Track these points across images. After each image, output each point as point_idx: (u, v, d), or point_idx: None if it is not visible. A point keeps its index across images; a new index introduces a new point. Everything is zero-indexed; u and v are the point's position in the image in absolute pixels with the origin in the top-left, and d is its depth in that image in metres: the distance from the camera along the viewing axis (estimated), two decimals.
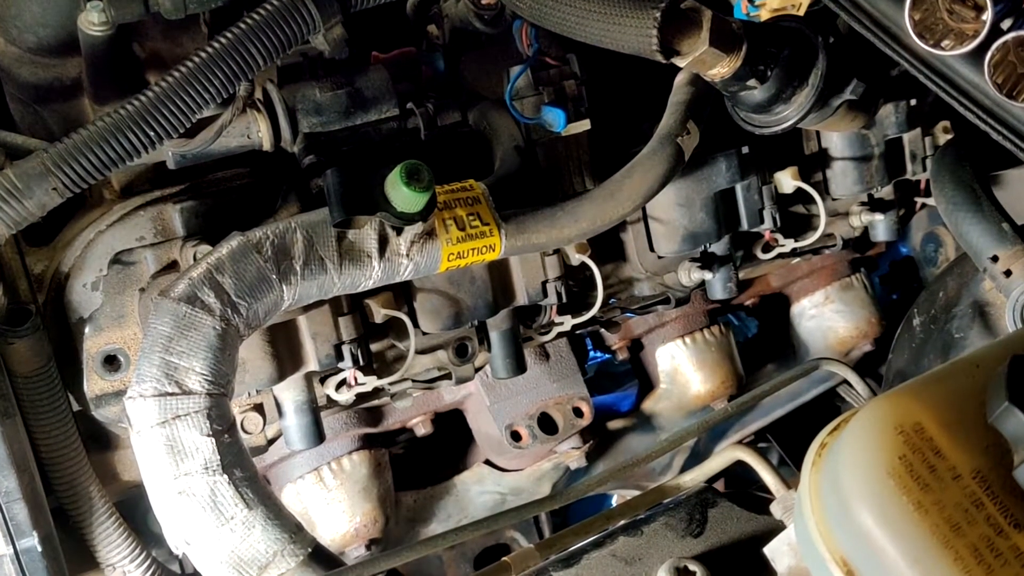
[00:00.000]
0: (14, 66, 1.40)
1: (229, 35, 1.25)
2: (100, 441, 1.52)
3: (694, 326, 2.07)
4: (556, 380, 1.90)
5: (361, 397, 1.63)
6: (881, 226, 2.02)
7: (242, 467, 1.26)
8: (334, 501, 1.78)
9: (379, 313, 1.52)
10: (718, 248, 1.81)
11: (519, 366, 1.68)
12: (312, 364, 1.50)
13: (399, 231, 1.34)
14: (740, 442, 2.22)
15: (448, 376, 1.69)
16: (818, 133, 1.93)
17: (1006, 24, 1.11)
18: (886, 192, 2.02)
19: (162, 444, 1.22)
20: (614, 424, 2.11)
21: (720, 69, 1.38)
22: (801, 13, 1.38)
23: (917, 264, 2.39)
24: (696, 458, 2.18)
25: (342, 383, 1.56)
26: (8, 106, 1.45)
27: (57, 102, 1.43)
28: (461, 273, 1.54)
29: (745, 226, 1.81)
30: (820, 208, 1.82)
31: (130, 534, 1.46)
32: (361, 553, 1.80)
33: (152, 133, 1.24)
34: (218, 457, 1.23)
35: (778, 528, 1.23)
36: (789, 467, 2.22)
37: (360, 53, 1.50)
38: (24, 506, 1.30)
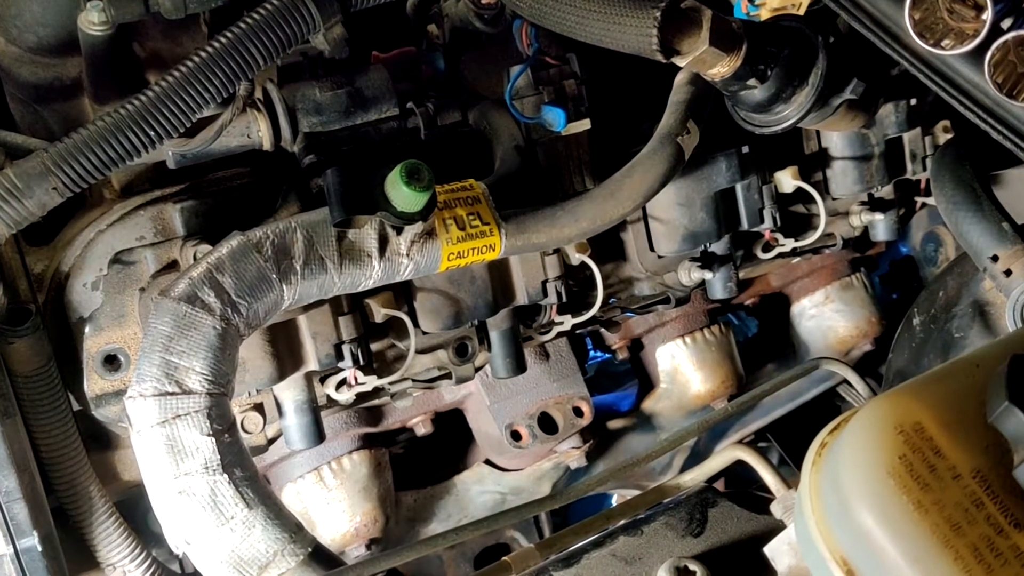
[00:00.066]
0: (14, 66, 1.40)
1: (229, 35, 1.25)
2: (100, 441, 1.52)
3: (694, 326, 2.07)
4: (556, 380, 1.90)
5: (361, 397, 1.63)
6: (881, 226, 2.02)
7: (242, 467, 1.26)
8: (334, 501, 1.78)
9: (379, 313, 1.52)
10: (718, 248, 1.81)
11: (519, 366, 1.68)
12: (312, 364, 1.50)
13: (399, 231, 1.34)
14: (740, 442, 2.22)
15: (448, 376, 1.69)
16: (818, 133, 1.93)
17: (1006, 24, 1.11)
18: (886, 192, 2.02)
19: (162, 444, 1.22)
20: (614, 424, 2.11)
21: (720, 68, 1.38)
22: (801, 12, 1.38)
23: (917, 264, 2.39)
24: (696, 458, 2.18)
25: (342, 383, 1.56)
26: (8, 106, 1.45)
27: (57, 102, 1.43)
28: (461, 273, 1.54)
29: (745, 226, 1.81)
30: (820, 208, 1.82)
31: (130, 534, 1.46)
32: (361, 553, 1.80)
33: (152, 133, 1.24)
34: (218, 457, 1.23)
35: (778, 528, 1.23)
36: (789, 467, 2.22)
37: (360, 53, 1.51)
38: (24, 506, 1.30)
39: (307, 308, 1.46)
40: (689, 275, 1.82)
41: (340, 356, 1.50)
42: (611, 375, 2.46)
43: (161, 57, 1.44)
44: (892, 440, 0.90)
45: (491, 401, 1.85)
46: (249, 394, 1.51)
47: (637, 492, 1.85)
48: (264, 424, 1.54)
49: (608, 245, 1.79)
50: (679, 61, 1.34)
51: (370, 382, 1.56)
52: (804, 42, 1.43)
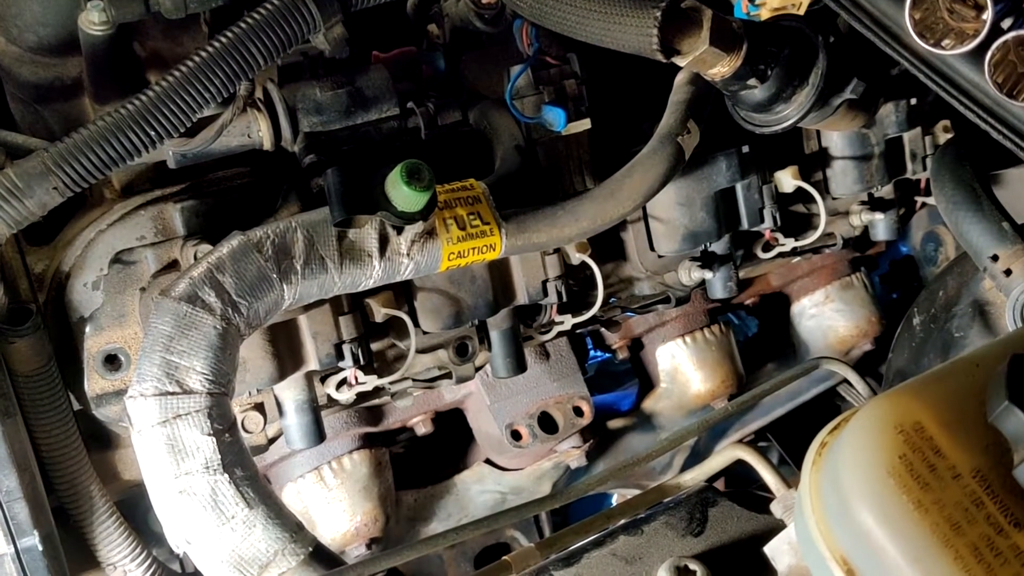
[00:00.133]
0: (15, 65, 1.40)
1: (230, 34, 1.25)
2: (101, 440, 1.53)
3: (694, 325, 2.07)
4: (556, 379, 1.90)
5: (361, 396, 1.63)
6: (881, 225, 2.02)
7: (243, 466, 1.26)
8: (335, 500, 1.78)
9: (380, 312, 1.52)
10: (718, 247, 1.81)
11: (519, 365, 1.68)
12: (313, 363, 1.50)
13: (400, 230, 1.34)
14: (740, 441, 2.21)
15: (448, 375, 1.69)
16: (818, 132, 1.93)
17: (1006, 23, 1.11)
18: (886, 191, 2.02)
19: (163, 443, 1.22)
20: (614, 423, 2.11)
21: (720, 68, 1.38)
22: (801, 12, 1.37)
23: (917, 263, 2.39)
24: (696, 457, 2.18)
25: (343, 382, 1.56)
26: (9, 105, 1.45)
27: (58, 101, 1.44)
28: (461, 272, 1.54)
29: (745, 225, 1.81)
30: (820, 207, 1.82)
31: (131, 533, 1.46)
32: (362, 552, 1.80)
33: (153, 132, 1.24)
34: (219, 456, 1.23)
35: (778, 527, 1.23)
36: (789, 466, 2.22)
37: (360, 52, 1.51)
38: (25, 505, 1.30)
39: (307, 308, 1.46)
40: (689, 275, 1.82)
41: (340, 356, 1.50)
42: (611, 375, 2.47)
43: (161, 57, 1.44)
44: (892, 440, 0.91)
45: (491, 401, 1.86)
46: (250, 394, 1.51)
47: (637, 492, 1.85)
48: (264, 424, 1.54)
49: (608, 245, 1.79)
50: (679, 61, 1.34)
51: (370, 382, 1.56)
52: (804, 42, 1.43)
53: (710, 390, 2.07)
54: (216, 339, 1.24)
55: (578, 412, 1.90)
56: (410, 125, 1.52)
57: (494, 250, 1.40)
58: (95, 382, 1.44)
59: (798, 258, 2.06)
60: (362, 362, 1.51)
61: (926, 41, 1.14)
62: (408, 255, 1.35)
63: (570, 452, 1.94)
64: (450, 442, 2.01)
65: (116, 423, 1.48)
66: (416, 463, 1.99)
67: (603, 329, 2.01)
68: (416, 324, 1.56)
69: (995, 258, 1.55)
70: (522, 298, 1.63)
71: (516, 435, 1.86)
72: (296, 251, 1.30)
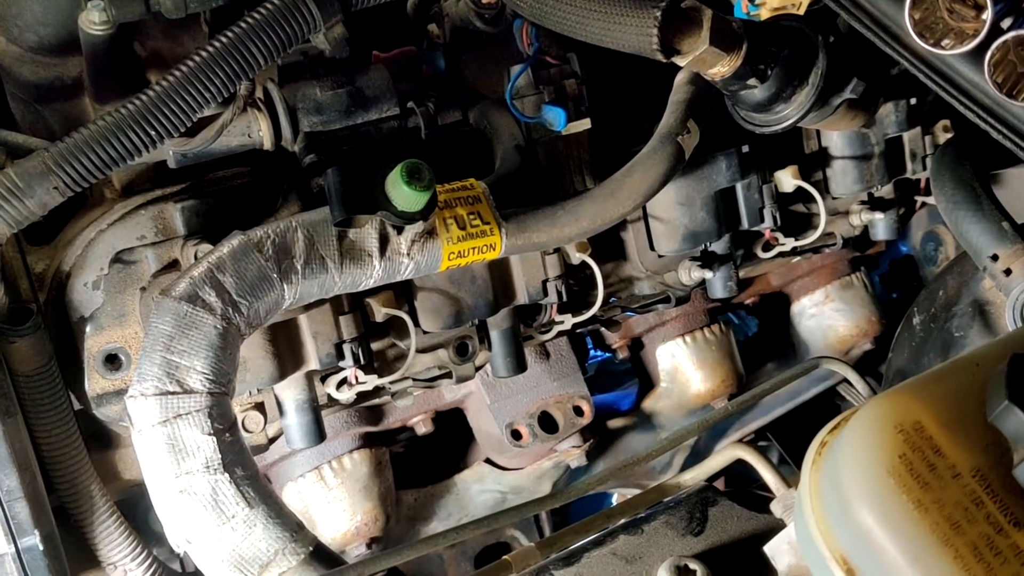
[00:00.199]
0: (15, 65, 1.40)
1: (230, 34, 1.25)
2: (101, 440, 1.53)
3: (694, 325, 2.07)
4: (556, 379, 1.90)
5: (362, 396, 1.63)
6: (881, 225, 2.02)
7: (243, 466, 1.26)
8: (335, 500, 1.78)
9: (380, 312, 1.52)
10: (718, 247, 1.81)
11: (519, 365, 1.68)
12: (313, 363, 1.50)
13: (400, 230, 1.34)
14: (740, 441, 2.22)
15: (449, 375, 1.69)
16: (818, 132, 1.94)
17: (1006, 23, 1.11)
18: (886, 191, 2.02)
19: (163, 443, 1.22)
20: (614, 423, 2.11)
21: (720, 68, 1.38)
22: (801, 12, 1.38)
23: (917, 263, 2.39)
24: (696, 457, 2.18)
25: (343, 382, 1.56)
26: (9, 105, 1.45)
27: (58, 101, 1.44)
28: (462, 272, 1.54)
29: (745, 225, 1.81)
30: (820, 207, 1.82)
31: (131, 533, 1.47)
32: (362, 552, 1.80)
33: (153, 132, 1.24)
34: (219, 456, 1.23)
35: (778, 527, 1.23)
36: (789, 466, 2.23)
37: (361, 52, 1.51)
38: (26, 505, 1.30)
39: (308, 307, 1.46)
40: (689, 274, 1.82)
41: (341, 355, 1.50)
42: (611, 374, 2.47)
43: (162, 56, 1.44)
44: (892, 439, 0.91)
45: (491, 400, 1.86)
46: (250, 393, 1.51)
47: (637, 491, 1.86)
48: (265, 423, 1.54)
49: (608, 244, 1.79)
50: (679, 61, 1.35)
51: (371, 381, 1.56)
52: (804, 42, 1.43)
53: (710, 390, 2.07)
54: (216, 339, 1.24)
55: (578, 412, 1.90)
56: (410, 125, 1.52)
57: (494, 250, 1.40)
58: (95, 382, 1.44)
59: (798, 258, 2.06)
60: (362, 362, 1.52)
61: (926, 41, 1.14)
62: (408, 255, 1.35)
63: (570, 451, 1.95)
64: (450, 442, 2.01)
65: (116, 423, 1.48)
66: (416, 462, 1.99)
67: (603, 329, 2.01)
68: (416, 324, 1.56)
69: (995, 258, 1.55)
70: (522, 298, 1.63)
71: (516, 434, 1.86)
72: (296, 251, 1.30)
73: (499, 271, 1.60)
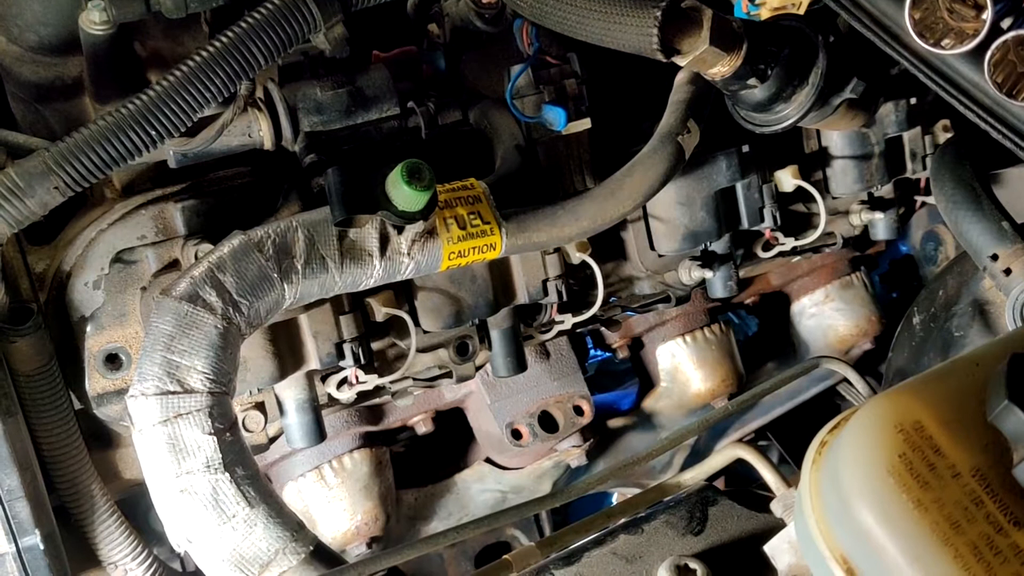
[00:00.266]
0: (15, 65, 1.40)
1: (230, 34, 1.25)
2: (102, 439, 1.53)
3: (694, 324, 2.08)
4: (557, 378, 1.90)
5: (362, 395, 1.63)
6: (881, 224, 2.02)
7: (244, 465, 1.26)
8: (335, 499, 1.78)
9: (380, 312, 1.52)
10: (718, 246, 1.81)
11: (520, 364, 1.68)
12: (313, 362, 1.50)
13: (400, 230, 1.34)
14: (740, 440, 2.22)
15: (449, 374, 1.69)
16: (818, 132, 1.94)
17: (1006, 23, 1.11)
18: (886, 191, 2.02)
19: (164, 442, 1.22)
20: (614, 422, 2.11)
21: (721, 68, 1.38)
22: (801, 12, 1.38)
23: (917, 262, 2.39)
24: (696, 456, 2.18)
25: (343, 381, 1.56)
26: (9, 105, 1.45)
27: (58, 101, 1.44)
28: (462, 272, 1.54)
29: (745, 224, 1.82)
30: (820, 207, 1.82)
31: (132, 532, 1.47)
32: (362, 551, 1.80)
33: (153, 132, 1.24)
34: (220, 455, 1.23)
35: (778, 526, 1.23)
36: (789, 465, 2.23)
37: (361, 52, 1.51)
38: (26, 504, 1.30)
39: (308, 307, 1.46)
40: (689, 274, 1.82)
41: (341, 355, 1.50)
42: (611, 374, 2.47)
43: (162, 56, 1.44)
44: (892, 439, 0.91)
45: (492, 400, 1.86)
46: (250, 393, 1.51)
47: (637, 490, 1.85)
48: (265, 423, 1.54)
49: (608, 244, 1.79)
50: (679, 60, 1.35)
51: (371, 381, 1.56)
52: (804, 41, 1.43)
53: (710, 389, 2.07)
54: (217, 338, 1.25)
55: (578, 411, 1.90)
56: (410, 125, 1.52)
57: (494, 249, 1.40)
58: (96, 381, 1.44)
59: (798, 257, 2.06)
60: (363, 361, 1.52)
61: (926, 41, 1.14)
62: (409, 254, 1.35)
63: (570, 451, 1.95)
64: (450, 441, 2.01)
65: (117, 422, 1.48)
66: (416, 462, 1.99)
67: (603, 328, 2.01)
68: (417, 323, 1.56)
69: (995, 257, 1.55)
70: (522, 297, 1.63)
71: (516, 434, 1.86)
72: (297, 250, 1.30)
73: (499, 271, 1.60)
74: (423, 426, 1.88)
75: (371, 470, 1.81)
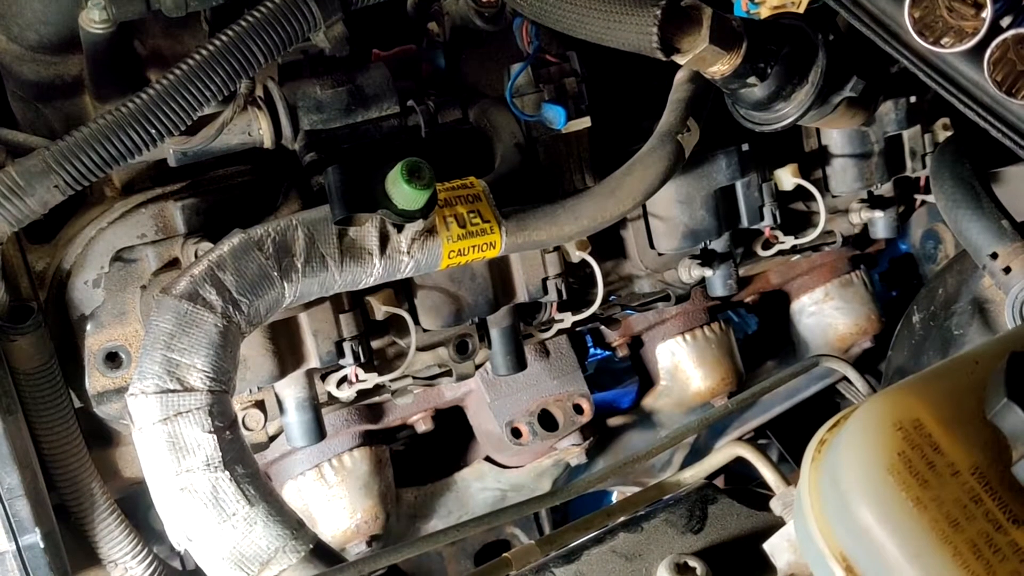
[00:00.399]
0: (15, 64, 1.40)
1: (230, 33, 1.25)
2: (102, 438, 1.53)
3: (694, 323, 2.08)
4: (556, 377, 1.90)
5: (362, 394, 1.63)
6: (881, 223, 2.02)
7: (244, 464, 1.26)
8: (335, 498, 1.79)
9: (380, 310, 1.52)
10: (718, 245, 1.81)
11: (519, 363, 1.68)
12: (313, 361, 1.50)
13: (400, 228, 1.34)
14: (740, 439, 2.22)
15: (449, 373, 1.69)
16: (818, 130, 1.94)
17: (1005, 22, 1.11)
18: (886, 189, 2.02)
19: (164, 441, 1.22)
20: (614, 421, 2.11)
21: (720, 67, 1.38)
22: (801, 11, 1.38)
23: (917, 261, 2.39)
24: (696, 455, 2.18)
25: (343, 380, 1.56)
26: (9, 104, 1.45)
27: (58, 100, 1.44)
28: (462, 270, 1.54)
29: (745, 223, 1.82)
30: (820, 205, 1.83)
31: (132, 530, 1.47)
32: (362, 549, 1.81)
33: (153, 131, 1.24)
34: (220, 454, 1.23)
35: (778, 524, 1.23)
36: (789, 463, 2.23)
37: (361, 51, 1.51)
38: (26, 502, 1.30)
39: (308, 306, 1.46)
40: (689, 272, 1.82)
41: (341, 353, 1.50)
42: (611, 372, 2.47)
43: (162, 55, 1.44)
44: (891, 437, 0.91)
45: (491, 398, 1.86)
46: (250, 391, 1.51)
47: (637, 489, 1.85)
48: (265, 421, 1.54)
49: (608, 243, 1.79)
50: (679, 59, 1.35)
51: (371, 379, 1.56)
52: (804, 40, 1.43)
53: (710, 388, 2.07)
54: (217, 337, 1.25)
55: (578, 410, 1.90)
56: (410, 123, 1.52)
57: (494, 248, 1.40)
58: (96, 380, 1.45)
59: (798, 256, 2.06)
60: (362, 360, 1.52)
61: (925, 39, 1.14)
62: (408, 253, 1.35)
63: (570, 450, 1.95)
64: (450, 440, 2.02)
65: (117, 420, 1.48)
66: (416, 460, 2.00)
67: (603, 327, 2.01)
68: (416, 322, 1.56)
69: (994, 256, 1.55)
70: (522, 296, 1.63)
71: (516, 433, 1.86)
72: (297, 249, 1.30)
73: (499, 269, 1.60)
74: (423, 424, 1.88)
75: (371, 468, 1.81)
